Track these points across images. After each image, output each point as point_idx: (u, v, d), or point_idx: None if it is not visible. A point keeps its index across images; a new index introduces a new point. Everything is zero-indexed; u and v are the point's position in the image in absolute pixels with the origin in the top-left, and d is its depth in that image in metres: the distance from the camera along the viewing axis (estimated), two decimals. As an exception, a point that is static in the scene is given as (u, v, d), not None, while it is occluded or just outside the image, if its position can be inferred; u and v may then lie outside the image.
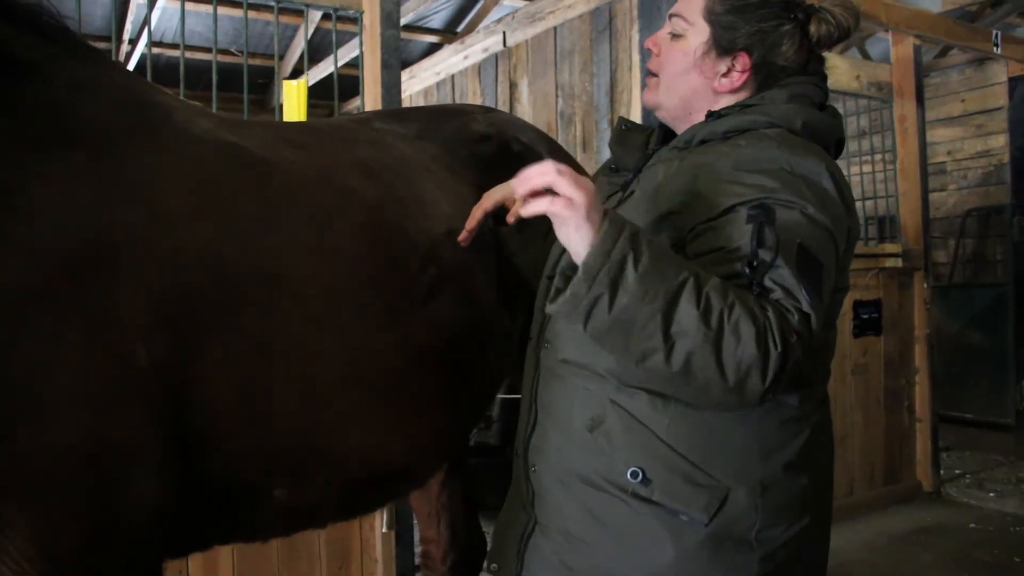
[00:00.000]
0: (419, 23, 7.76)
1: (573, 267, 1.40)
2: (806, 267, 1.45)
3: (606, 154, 4.84)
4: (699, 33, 1.70)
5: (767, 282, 1.43)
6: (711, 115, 1.69)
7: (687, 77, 1.72)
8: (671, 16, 1.75)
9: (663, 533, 1.51)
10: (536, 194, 1.40)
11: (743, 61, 1.69)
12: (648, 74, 1.79)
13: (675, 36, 1.73)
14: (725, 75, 1.70)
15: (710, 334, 1.33)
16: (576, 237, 1.36)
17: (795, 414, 1.59)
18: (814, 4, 1.74)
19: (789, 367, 1.38)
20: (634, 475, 1.52)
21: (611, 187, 1.82)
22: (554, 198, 1.37)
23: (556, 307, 1.39)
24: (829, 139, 1.70)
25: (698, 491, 1.50)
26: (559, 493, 1.64)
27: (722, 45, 1.69)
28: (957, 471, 6.30)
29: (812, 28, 1.70)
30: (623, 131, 1.87)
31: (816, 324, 1.42)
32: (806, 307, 1.42)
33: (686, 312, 1.33)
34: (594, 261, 1.33)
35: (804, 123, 1.65)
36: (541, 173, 1.39)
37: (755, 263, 1.43)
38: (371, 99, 3.72)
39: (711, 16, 1.69)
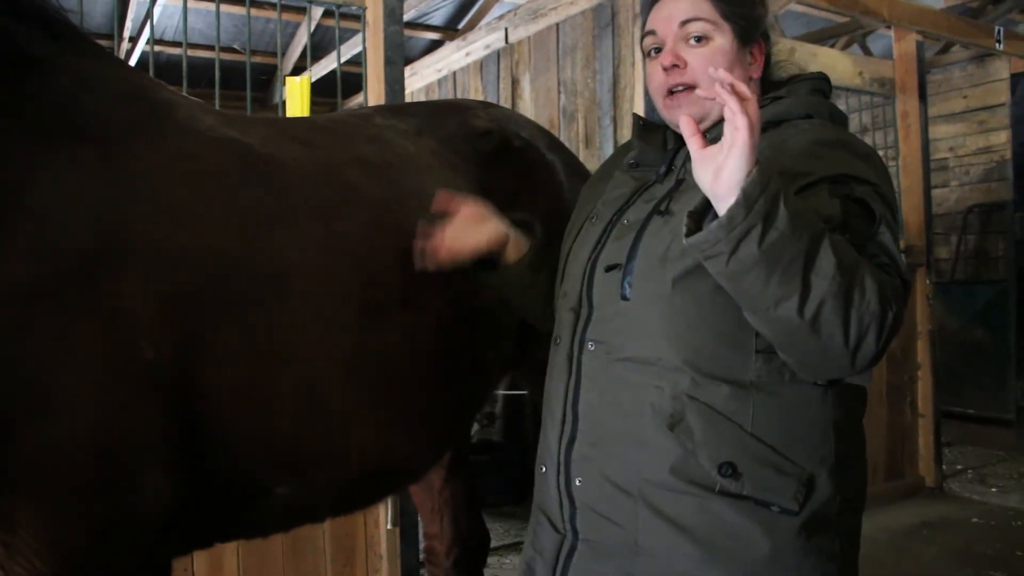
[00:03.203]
0: (420, 20, 7.76)
1: (700, 211, 1.39)
2: (893, 234, 1.49)
3: (608, 150, 4.86)
4: (724, 31, 1.66)
5: (871, 248, 1.45)
6: None
7: (734, 76, 1.62)
8: (685, 23, 1.66)
9: (755, 528, 1.47)
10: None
11: (760, 48, 1.71)
12: (677, 91, 1.67)
13: (699, 40, 1.66)
14: (753, 63, 1.71)
15: (843, 284, 1.33)
16: (742, 158, 1.31)
17: (862, 392, 1.61)
18: None
19: (894, 333, 1.40)
20: (723, 471, 1.47)
21: (637, 182, 1.75)
22: (744, 106, 1.32)
23: (704, 235, 1.34)
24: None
25: (787, 480, 1.48)
26: (620, 503, 1.56)
27: (746, 37, 1.68)
28: (959, 466, 6.30)
29: None
30: (642, 127, 1.82)
31: (909, 289, 1.47)
32: (904, 272, 1.46)
33: (826, 257, 1.33)
34: (753, 189, 1.30)
35: (831, 114, 1.69)
36: (746, 87, 1.35)
37: (856, 233, 1.45)
38: (374, 96, 3.72)
39: (727, 15, 1.66)
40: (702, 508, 1.49)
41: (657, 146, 1.77)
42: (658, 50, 1.70)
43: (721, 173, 1.32)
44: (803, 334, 1.38)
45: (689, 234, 1.37)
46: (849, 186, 1.48)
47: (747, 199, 1.30)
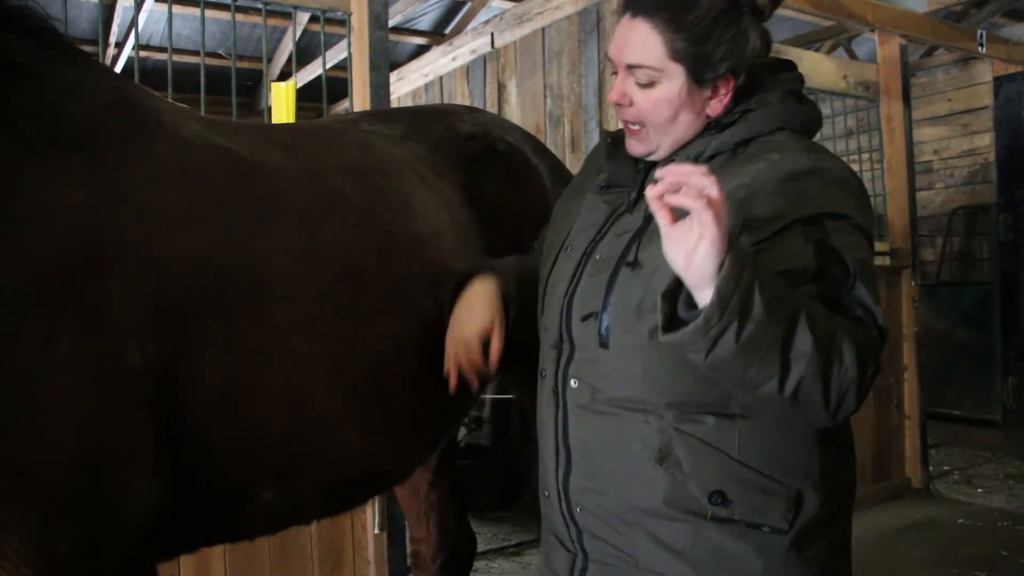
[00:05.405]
0: (407, 25, 7.76)
1: (673, 290, 1.35)
2: (868, 282, 1.46)
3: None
4: (674, 76, 1.58)
5: (846, 301, 1.44)
6: (713, 125, 1.63)
7: (679, 119, 1.61)
8: (630, 67, 1.60)
9: (747, 549, 1.50)
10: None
11: (727, 83, 1.60)
12: (631, 126, 1.66)
13: (644, 85, 1.60)
14: (712, 97, 1.61)
15: (821, 359, 1.33)
16: (711, 253, 1.27)
17: None
18: None
19: (872, 385, 1.41)
20: (713, 499, 1.48)
21: (609, 205, 1.72)
22: (707, 201, 1.26)
23: (679, 337, 1.32)
24: (816, 131, 1.70)
25: (776, 500, 1.50)
26: (619, 529, 1.58)
27: (703, 78, 1.58)
28: (946, 467, 6.33)
29: (760, 1, 1.60)
30: (611, 145, 1.77)
31: (887, 337, 1.45)
32: (881, 321, 1.44)
33: (803, 338, 1.32)
34: (727, 287, 1.27)
35: (803, 122, 1.65)
36: (704, 174, 1.28)
37: (831, 283, 1.43)
38: (359, 101, 3.72)
39: (678, 55, 1.56)
40: (696, 534, 1.51)
41: (627, 163, 1.73)
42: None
43: (692, 261, 1.28)
44: (785, 405, 1.39)
45: (666, 323, 1.35)
46: (823, 226, 1.46)
47: (721, 299, 1.27)
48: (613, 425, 1.58)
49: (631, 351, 1.54)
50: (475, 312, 1.88)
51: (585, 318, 1.62)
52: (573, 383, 1.64)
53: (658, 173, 1.30)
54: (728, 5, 1.57)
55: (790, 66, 1.71)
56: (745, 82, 1.62)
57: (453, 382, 1.90)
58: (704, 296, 1.29)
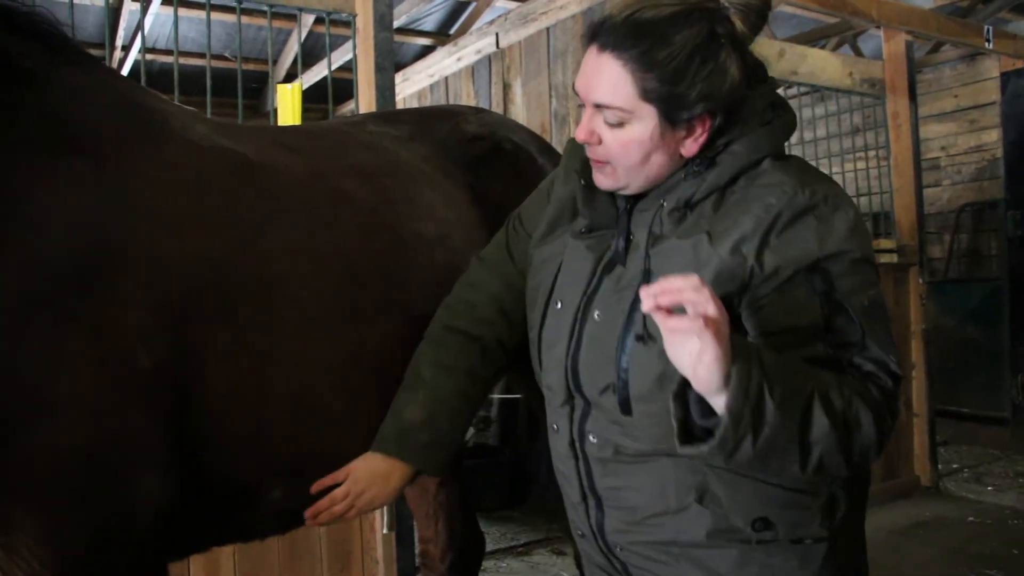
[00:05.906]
0: (412, 26, 7.77)
1: (683, 388, 1.32)
2: (879, 323, 1.44)
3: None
4: (645, 117, 1.49)
5: (857, 360, 1.42)
6: (699, 162, 1.55)
7: (650, 160, 1.53)
8: (599, 107, 1.51)
9: (792, 563, 1.52)
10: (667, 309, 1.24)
11: (704, 123, 1.51)
12: (599, 160, 1.58)
13: (613, 125, 1.51)
14: (687, 137, 1.52)
15: (840, 435, 1.33)
16: (714, 368, 1.24)
17: None
18: (722, 4, 1.50)
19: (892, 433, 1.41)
20: (756, 526, 1.49)
21: (593, 252, 1.64)
22: (704, 321, 1.21)
23: (696, 451, 1.32)
24: (792, 134, 1.63)
25: (813, 512, 1.51)
26: (665, 562, 1.58)
27: (677, 119, 1.49)
28: (955, 465, 6.32)
29: (739, 29, 1.50)
30: (586, 187, 1.67)
31: (901, 381, 1.45)
32: (894, 367, 1.42)
33: (819, 422, 1.31)
34: (737, 404, 1.25)
35: (785, 136, 1.60)
36: (693, 288, 1.22)
37: (840, 343, 1.41)
38: (365, 102, 3.74)
39: (649, 96, 1.47)
40: (743, 557, 1.52)
41: (605, 204, 1.66)
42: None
43: (698, 373, 1.25)
44: (808, 478, 1.41)
45: (681, 430, 1.33)
46: (826, 272, 1.42)
47: (734, 417, 1.26)
48: (643, 472, 1.56)
49: (658, 417, 1.48)
50: (380, 493, 1.78)
51: (603, 391, 1.56)
52: (592, 438, 1.61)
53: (651, 289, 1.25)
54: (704, 39, 1.46)
55: (762, 74, 1.61)
56: (724, 118, 1.53)
57: (311, 515, 1.76)
58: (716, 401, 1.28)
